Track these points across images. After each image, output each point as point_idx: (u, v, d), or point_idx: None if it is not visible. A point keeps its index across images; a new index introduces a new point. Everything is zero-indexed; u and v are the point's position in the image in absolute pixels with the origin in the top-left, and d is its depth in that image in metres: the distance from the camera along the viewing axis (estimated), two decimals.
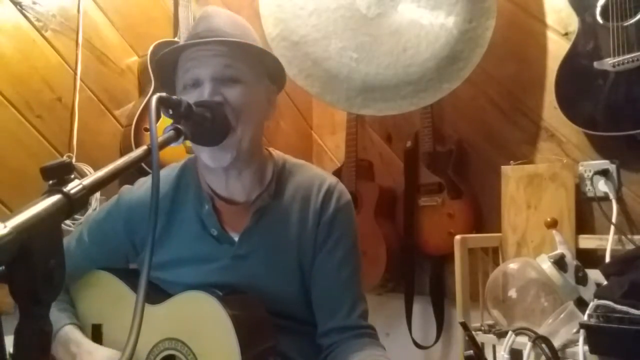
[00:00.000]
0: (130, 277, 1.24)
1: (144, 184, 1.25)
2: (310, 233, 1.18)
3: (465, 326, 0.92)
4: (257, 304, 1.12)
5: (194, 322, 1.11)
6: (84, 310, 1.23)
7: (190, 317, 1.12)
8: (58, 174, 0.61)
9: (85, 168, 2.07)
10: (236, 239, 1.17)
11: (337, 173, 2.57)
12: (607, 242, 1.74)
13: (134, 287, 1.20)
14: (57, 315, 1.18)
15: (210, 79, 1.09)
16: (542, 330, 1.52)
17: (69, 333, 1.16)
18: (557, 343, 1.49)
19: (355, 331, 1.16)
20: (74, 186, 0.61)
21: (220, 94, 1.08)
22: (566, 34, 1.99)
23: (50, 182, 0.61)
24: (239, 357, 1.02)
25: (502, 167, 2.02)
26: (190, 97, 1.05)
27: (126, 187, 1.27)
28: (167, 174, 1.24)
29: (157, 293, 1.18)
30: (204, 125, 1.00)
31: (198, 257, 1.16)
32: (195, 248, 1.17)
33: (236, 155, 1.11)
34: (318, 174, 1.24)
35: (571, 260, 1.67)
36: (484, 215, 2.21)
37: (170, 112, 0.91)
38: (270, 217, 1.18)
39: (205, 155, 1.12)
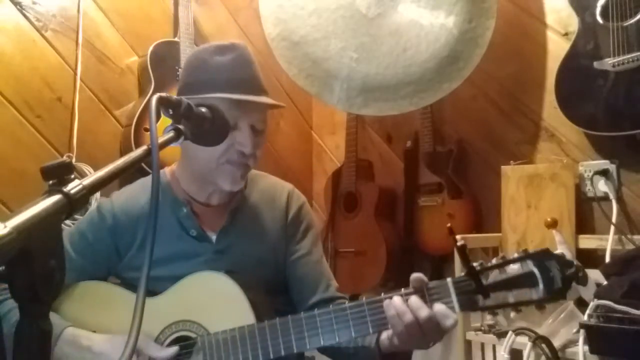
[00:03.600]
0: (120, 283, 1.30)
1: (121, 194, 1.37)
2: (280, 228, 1.37)
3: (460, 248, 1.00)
4: (251, 278, 1.24)
5: (201, 300, 1.19)
6: (74, 321, 1.21)
7: (196, 296, 1.20)
8: (58, 174, 0.61)
9: (85, 168, 2.08)
10: (214, 237, 1.31)
11: (337, 173, 2.57)
12: (607, 242, 1.74)
13: (127, 286, 1.27)
14: (54, 318, 1.17)
15: (250, 128, 1.25)
16: (542, 330, 1.52)
17: (75, 331, 1.18)
18: (557, 343, 1.49)
19: (335, 301, 1.33)
20: (74, 186, 0.61)
21: (255, 146, 1.26)
22: (566, 34, 2.00)
23: (50, 182, 0.61)
24: (253, 316, 1.13)
25: (502, 167, 2.02)
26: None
27: (102, 199, 1.38)
28: (141, 185, 1.38)
29: (148, 288, 1.19)
30: (204, 125, 1.00)
31: (181, 255, 1.28)
32: (176, 247, 1.28)
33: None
34: (278, 181, 1.47)
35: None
36: (484, 215, 2.21)
37: (170, 112, 0.91)
38: (243, 216, 1.35)
39: (225, 181, 1.26)
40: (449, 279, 1.05)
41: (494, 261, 1.03)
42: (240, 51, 1.26)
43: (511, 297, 1.00)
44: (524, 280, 1.00)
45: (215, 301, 1.18)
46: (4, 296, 1.22)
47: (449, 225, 1.06)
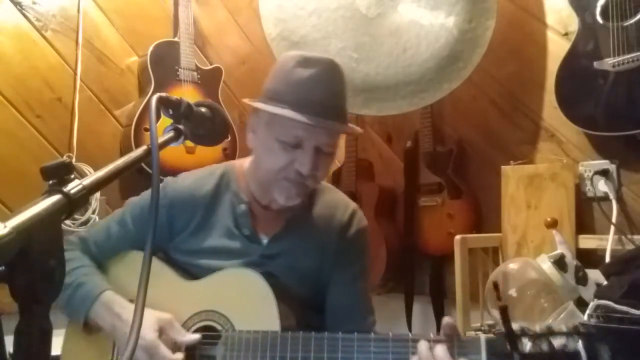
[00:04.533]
0: (159, 255, 1.32)
1: (187, 177, 1.36)
2: (333, 245, 1.32)
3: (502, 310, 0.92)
4: (284, 283, 1.25)
5: (233, 294, 1.20)
6: (118, 287, 1.26)
7: (230, 289, 1.21)
8: (58, 174, 0.61)
9: (85, 168, 2.08)
10: (265, 241, 1.30)
11: (337, 173, 2.57)
12: (607, 242, 1.74)
13: (168, 263, 1.30)
14: (98, 279, 1.27)
15: (313, 150, 1.20)
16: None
17: (112, 296, 1.23)
18: (557, 343, 1.49)
19: None
20: (74, 186, 0.61)
21: (316, 167, 1.21)
22: (566, 34, 2.00)
23: (50, 182, 0.61)
24: (279, 323, 1.13)
25: (502, 167, 2.02)
26: (282, 154, 1.19)
27: (170, 178, 1.38)
28: (210, 172, 1.36)
29: (189, 272, 1.29)
30: (204, 125, 1.00)
31: (229, 251, 1.28)
32: (227, 242, 1.29)
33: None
34: (344, 197, 1.41)
35: (571, 260, 1.67)
36: (484, 215, 2.21)
37: (170, 112, 0.91)
38: (298, 226, 1.32)
39: (280, 195, 1.23)
40: (482, 336, 0.97)
41: (537, 328, 0.93)
42: (322, 68, 1.20)
43: None
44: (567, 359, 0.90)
45: (246, 299, 1.19)
46: (72, 251, 1.30)
47: (494, 281, 0.96)
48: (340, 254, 1.32)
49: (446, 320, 1.00)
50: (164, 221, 1.30)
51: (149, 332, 1.13)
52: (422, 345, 0.99)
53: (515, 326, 0.92)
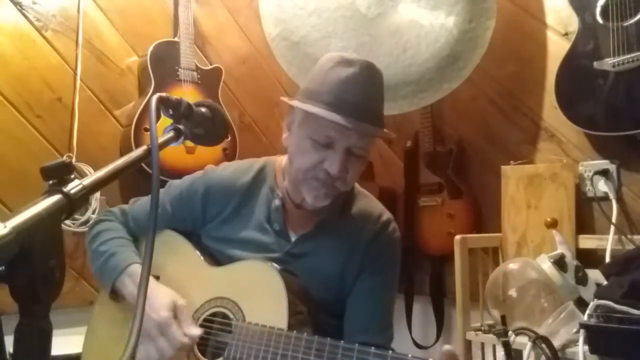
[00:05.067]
0: (193, 238, 1.37)
1: (228, 167, 1.40)
2: (361, 251, 1.31)
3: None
4: (303, 284, 1.25)
5: (248, 285, 1.23)
6: None
7: (246, 280, 1.24)
8: (58, 174, 0.61)
9: (85, 168, 2.08)
10: (293, 238, 1.32)
11: None
12: (607, 242, 1.74)
13: (198, 247, 1.35)
14: (129, 251, 1.33)
15: (344, 151, 1.20)
16: (542, 330, 1.52)
17: (138, 269, 1.27)
18: (557, 343, 1.49)
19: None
20: (74, 186, 0.61)
21: (345, 169, 1.21)
22: (566, 34, 1.99)
23: (50, 182, 0.61)
24: (286, 320, 1.14)
25: (502, 167, 2.02)
26: (313, 153, 1.20)
27: (211, 166, 1.42)
28: (250, 164, 1.39)
29: (215, 259, 1.33)
30: (204, 125, 1.00)
31: (257, 243, 1.30)
32: (255, 234, 1.31)
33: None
34: (379, 205, 1.40)
35: (571, 260, 1.67)
36: (484, 215, 2.21)
37: (170, 112, 0.91)
38: (328, 229, 1.32)
39: (309, 194, 1.24)
40: None
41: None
42: (360, 70, 1.19)
43: None
44: None
45: (259, 291, 1.21)
46: (107, 217, 1.40)
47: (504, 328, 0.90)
48: (366, 261, 1.31)
49: (447, 348, 0.99)
50: (199, 207, 1.35)
51: (164, 310, 1.17)
52: None
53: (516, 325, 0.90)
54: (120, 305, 1.31)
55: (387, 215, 1.38)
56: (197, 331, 1.19)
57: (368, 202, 1.39)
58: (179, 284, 1.25)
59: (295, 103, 1.22)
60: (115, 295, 1.29)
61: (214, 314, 1.24)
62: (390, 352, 1.05)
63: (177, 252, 1.35)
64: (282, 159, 1.37)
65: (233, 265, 1.27)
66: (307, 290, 1.25)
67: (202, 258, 1.31)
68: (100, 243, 1.34)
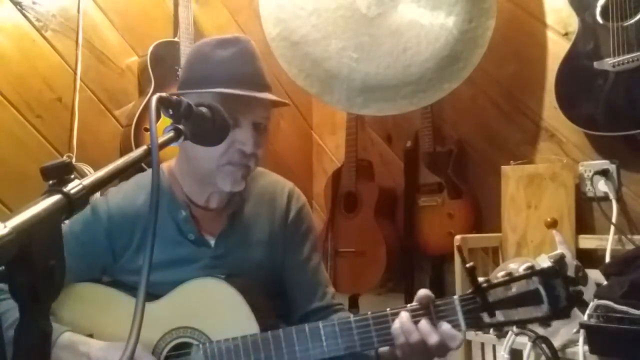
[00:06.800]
0: (116, 284, 1.25)
1: (117, 193, 1.30)
2: (279, 231, 1.33)
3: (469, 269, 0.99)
4: (252, 282, 1.22)
5: (202, 306, 1.17)
6: (70, 325, 1.18)
7: (197, 302, 1.18)
8: (58, 174, 0.61)
9: (85, 168, 2.08)
10: (212, 242, 1.27)
11: (337, 173, 2.57)
12: (607, 242, 1.74)
13: (119, 287, 1.23)
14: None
15: (252, 126, 1.20)
16: (542, 330, 1.52)
17: (72, 337, 1.15)
18: (557, 343, 1.49)
19: (331, 309, 1.34)
20: (73, 186, 0.61)
21: (258, 144, 1.21)
22: (566, 34, 1.99)
23: (50, 182, 0.61)
24: (256, 324, 1.11)
25: (502, 167, 2.02)
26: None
27: (98, 197, 1.30)
28: (136, 183, 1.31)
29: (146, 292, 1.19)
30: (204, 125, 1.00)
31: (178, 260, 1.24)
32: (174, 252, 1.24)
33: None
34: (278, 179, 1.41)
35: (571, 260, 1.67)
36: (484, 215, 2.21)
37: (170, 112, 0.91)
38: (242, 219, 1.31)
39: (225, 182, 1.21)
40: (455, 297, 1.03)
41: (499, 277, 1.01)
42: (243, 45, 1.22)
43: (516, 314, 1.00)
44: (530, 298, 0.99)
45: (216, 308, 1.16)
46: (2, 296, 1.18)
47: (458, 245, 1.05)
48: (287, 238, 1.34)
49: (421, 292, 1.05)
50: (105, 245, 1.25)
51: None
52: (404, 316, 1.03)
53: (480, 279, 1.00)
54: None
55: (288, 184, 1.39)
56: None
57: (266, 178, 1.39)
58: (124, 335, 1.13)
59: (187, 94, 1.17)
60: None
61: (175, 347, 1.17)
62: (370, 312, 1.07)
63: (100, 303, 1.23)
64: (167, 166, 1.31)
65: (174, 292, 1.18)
66: (252, 284, 1.21)
67: (132, 297, 1.19)
68: (12, 324, 1.10)
